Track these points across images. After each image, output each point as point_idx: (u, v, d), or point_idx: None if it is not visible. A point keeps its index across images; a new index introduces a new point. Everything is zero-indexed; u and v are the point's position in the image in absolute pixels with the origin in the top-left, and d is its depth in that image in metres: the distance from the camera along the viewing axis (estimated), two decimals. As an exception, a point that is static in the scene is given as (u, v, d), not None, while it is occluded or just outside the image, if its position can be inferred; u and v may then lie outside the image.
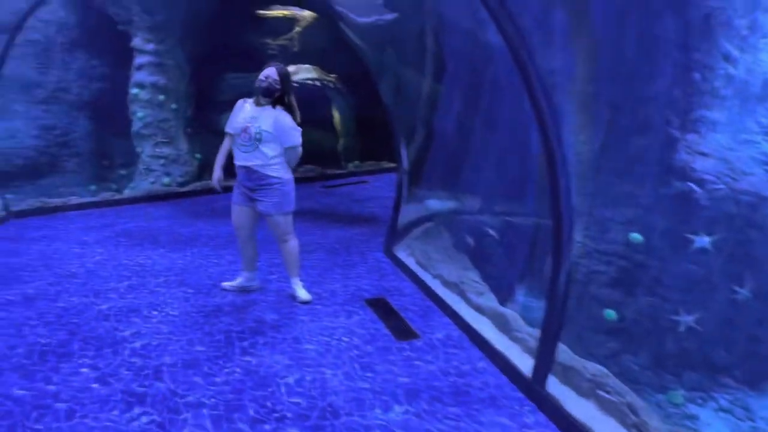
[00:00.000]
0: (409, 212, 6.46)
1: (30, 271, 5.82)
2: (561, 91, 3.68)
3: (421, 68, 6.22)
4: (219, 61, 10.86)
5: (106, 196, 9.13)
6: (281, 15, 11.70)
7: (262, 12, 11.44)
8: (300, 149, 4.66)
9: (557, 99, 3.47)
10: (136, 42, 9.47)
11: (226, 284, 5.29)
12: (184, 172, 9.98)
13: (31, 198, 8.75)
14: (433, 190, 6.52)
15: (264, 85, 4.47)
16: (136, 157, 9.83)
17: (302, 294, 5.01)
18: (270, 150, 4.52)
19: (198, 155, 10.29)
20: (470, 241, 5.42)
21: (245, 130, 4.50)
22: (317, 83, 11.65)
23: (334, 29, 11.68)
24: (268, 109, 4.53)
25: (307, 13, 11.78)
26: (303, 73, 11.63)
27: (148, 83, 9.57)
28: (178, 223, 7.69)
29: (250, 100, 4.66)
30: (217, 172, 4.83)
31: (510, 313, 4.17)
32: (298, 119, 4.65)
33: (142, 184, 9.68)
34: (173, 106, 9.86)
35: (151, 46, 9.43)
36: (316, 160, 11.20)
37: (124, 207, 8.74)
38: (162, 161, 9.83)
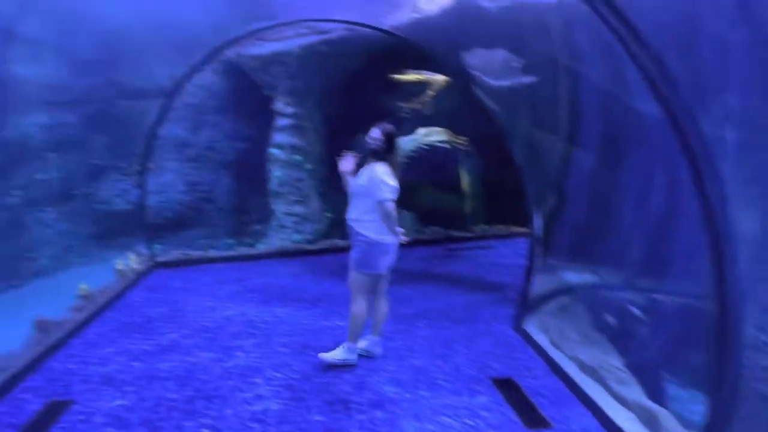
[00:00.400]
0: (542, 283, 6.08)
1: (168, 321, 6.10)
2: (729, 160, 3.28)
3: (557, 131, 5.95)
4: (353, 123, 11.15)
5: (241, 250, 9.54)
6: (415, 79, 11.95)
7: (396, 76, 11.75)
8: (389, 206, 4.38)
9: (723, 168, 3.08)
10: (278, 105, 10.01)
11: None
12: (314, 230, 10.24)
13: (176, 248, 9.32)
14: (568, 259, 6.12)
15: (371, 146, 4.53)
16: (270, 213, 10.26)
17: (334, 354, 4.86)
18: (362, 205, 4.53)
19: (329, 214, 10.54)
20: (611, 320, 4.96)
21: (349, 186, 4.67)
22: (447, 146, 11.64)
23: (465, 93, 11.75)
24: (371, 165, 4.51)
25: (439, 77, 11.93)
26: (434, 135, 11.70)
27: (286, 144, 10.04)
28: (306, 281, 7.81)
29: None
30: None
31: (659, 409, 3.68)
32: (395, 179, 4.52)
33: (274, 240, 10.04)
34: (308, 166, 10.23)
35: (291, 110, 9.93)
36: (443, 221, 11.10)
37: (256, 262, 9.06)
38: (295, 218, 10.16)
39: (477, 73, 6.44)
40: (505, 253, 9.56)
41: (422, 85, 12.04)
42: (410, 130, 11.73)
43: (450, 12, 6.26)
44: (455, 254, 9.57)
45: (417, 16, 6.95)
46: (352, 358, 4.89)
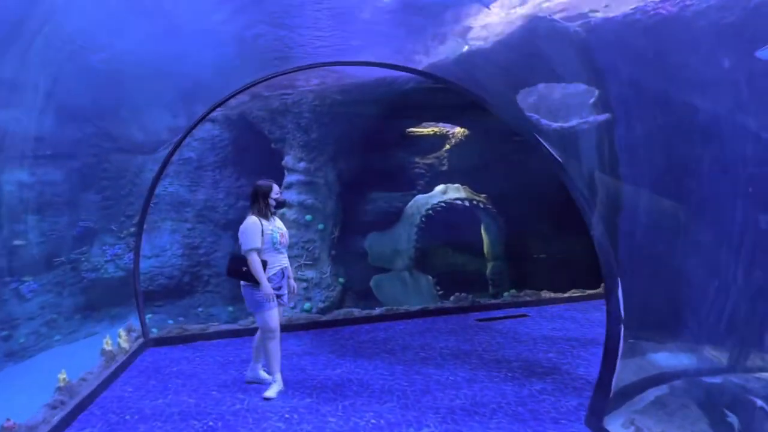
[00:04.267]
0: (625, 369, 4.99)
1: (165, 419, 4.97)
2: None
3: (641, 179, 4.99)
4: (366, 180, 10.35)
5: (244, 322, 8.42)
6: (431, 132, 11.16)
7: (412, 130, 10.95)
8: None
9: None
10: (287, 160, 9.14)
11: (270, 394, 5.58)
12: (325, 297, 9.19)
13: (171, 318, 8.22)
14: (658, 337, 5.06)
15: (281, 199, 5.61)
16: (278, 279, 9.20)
17: (271, 391, 5.62)
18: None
19: (341, 279, 9.51)
20: (732, 419, 3.89)
21: (282, 235, 5.52)
22: (466, 203, 10.73)
23: (486, 146, 10.96)
24: (276, 217, 5.64)
25: (458, 130, 11.15)
26: (451, 192, 10.80)
27: (295, 202, 9.12)
28: (323, 362, 6.70)
29: (255, 216, 5.38)
30: (269, 286, 5.28)
31: None
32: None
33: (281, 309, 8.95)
34: (320, 226, 9.29)
35: (302, 165, 9.05)
36: (467, 287, 10.07)
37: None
38: (304, 285, 9.13)
39: (534, 116, 5.54)
40: (542, 324, 8.49)
41: (439, 139, 11.24)
42: (427, 188, 10.86)
43: (510, 40, 5.30)
44: (487, 326, 8.48)
45: (461, 51, 6.04)
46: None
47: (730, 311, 4.58)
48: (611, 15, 4.37)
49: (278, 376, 5.71)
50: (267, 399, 5.46)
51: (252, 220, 5.34)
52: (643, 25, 4.07)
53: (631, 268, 5.15)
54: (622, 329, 4.86)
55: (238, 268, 5.34)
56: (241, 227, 5.36)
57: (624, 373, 4.89)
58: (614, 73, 4.59)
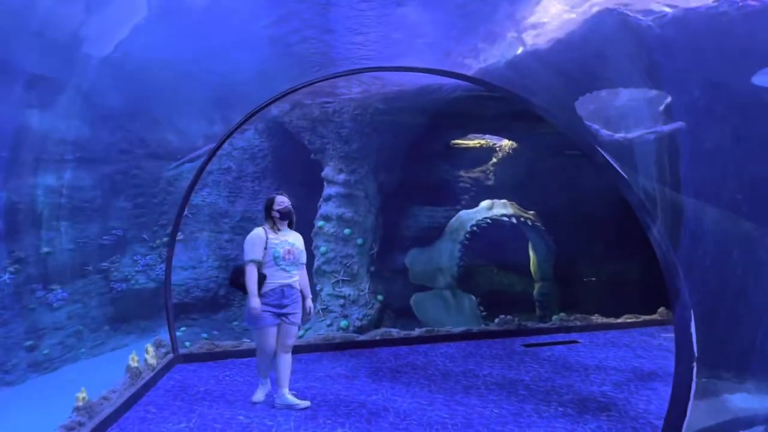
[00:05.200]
0: (698, 412, 4.39)
1: (184, 447, 4.61)
2: None
3: (720, 197, 4.41)
4: (408, 193, 9.96)
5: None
6: (477, 145, 10.70)
7: (457, 141, 10.52)
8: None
9: None
10: (327, 172, 8.81)
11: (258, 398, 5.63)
12: (363, 315, 8.79)
13: (204, 332, 7.94)
14: (735, 376, 4.45)
15: (284, 210, 5.27)
16: (314, 295, 8.84)
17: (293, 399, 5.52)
18: (300, 266, 5.38)
19: (380, 297, 9.09)
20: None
21: (290, 252, 5.21)
22: (513, 220, 10.19)
23: (535, 160, 10.44)
24: (291, 231, 5.40)
25: (505, 143, 10.66)
26: (498, 208, 10.28)
27: (334, 216, 8.77)
28: (359, 387, 6.26)
29: (263, 228, 5.25)
30: (258, 300, 5.04)
31: None
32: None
33: (318, 326, 8.60)
34: (359, 241, 8.90)
35: (342, 177, 8.71)
36: (512, 309, 9.50)
37: (297, 355, 7.53)
38: (341, 301, 8.76)
39: (593, 125, 5.02)
40: (594, 352, 7.86)
41: (486, 152, 10.77)
42: (472, 203, 10.38)
43: (572, 39, 4.75)
44: (534, 352, 7.90)
45: (515, 53, 5.55)
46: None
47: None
48: (692, 6, 3.85)
49: (266, 381, 5.73)
50: (255, 403, 5.59)
51: (256, 232, 5.21)
52: (729, 18, 3.55)
53: (704, 297, 4.57)
54: (695, 367, 4.27)
55: (237, 279, 5.16)
56: (246, 237, 5.24)
57: (695, 416, 4.29)
58: (691, 75, 4.05)
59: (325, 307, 8.77)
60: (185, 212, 7.40)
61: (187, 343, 7.42)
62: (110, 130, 7.16)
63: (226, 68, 5.83)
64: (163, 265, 7.60)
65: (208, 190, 9.19)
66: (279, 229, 5.28)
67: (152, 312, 7.80)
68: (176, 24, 5.35)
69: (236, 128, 6.93)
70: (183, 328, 8.07)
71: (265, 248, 5.14)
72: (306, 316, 5.43)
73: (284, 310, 5.22)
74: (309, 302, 5.42)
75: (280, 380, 5.48)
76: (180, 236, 7.66)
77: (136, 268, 8.24)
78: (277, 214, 5.25)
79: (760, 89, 3.65)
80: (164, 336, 7.12)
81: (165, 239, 7.51)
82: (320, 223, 8.86)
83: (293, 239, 5.33)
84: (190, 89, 6.19)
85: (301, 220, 8.71)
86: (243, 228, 9.60)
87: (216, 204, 9.38)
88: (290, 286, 5.24)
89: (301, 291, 5.42)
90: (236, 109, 6.65)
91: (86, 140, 6.84)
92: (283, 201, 5.32)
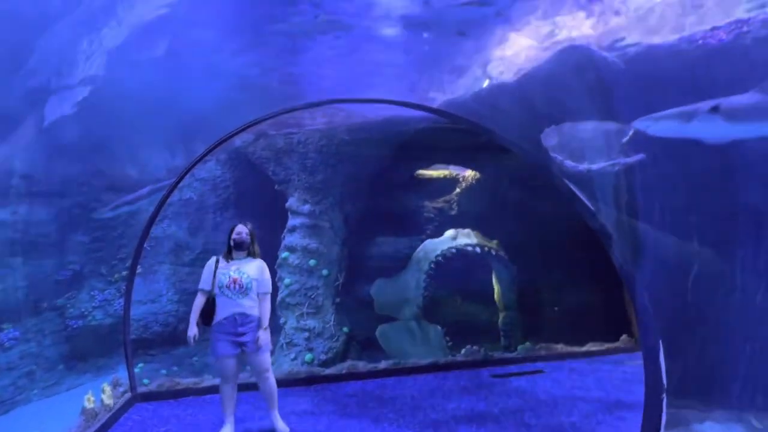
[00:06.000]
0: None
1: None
2: None
3: (682, 227, 4.49)
4: (373, 223, 9.92)
5: (242, 376, 7.82)
6: (442, 175, 10.77)
7: (422, 172, 10.57)
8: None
9: None
10: (292, 202, 8.73)
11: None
12: (328, 348, 8.64)
13: (164, 368, 7.67)
14: (701, 404, 4.49)
15: (238, 240, 5.25)
16: (278, 328, 8.67)
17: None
18: (254, 294, 5.21)
19: (345, 329, 8.97)
20: None
21: (235, 281, 5.12)
22: (477, 249, 10.23)
23: (498, 190, 10.56)
24: (251, 260, 5.32)
25: (469, 173, 10.77)
26: (462, 237, 10.32)
27: (299, 247, 8.67)
28: (325, 425, 6.12)
29: (218, 257, 5.30)
30: (195, 329, 5.08)
31: None
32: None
33: (282, 360, 8.41)
34: (324, 272, 8.80)
35: (306, 208, 8.63)
36: (478, 338, 9.49)
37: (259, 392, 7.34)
38: (306, 334, 8.60)
39: (558, 156, 5.09)
40: (561, 382, 7.87)
41: (449, 182, 10.85)
42: (436, 232, 10.40)
43: (538, 73, 4.85)
44: (503, 384, 7.88)
45: (481, 86, 5.63)
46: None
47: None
48: (655, 42, 3.97)
49: (230, 420, 5.50)
50: None
51: (209, 261, 5.32)
52: (689, 55, 3.67)
53: (667, 326, 4.62)
54: (665, 398, 4.30)
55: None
56: None
57: (669, 448, 4.32)
58: (652, 109, 4.16)
59: (289, 340, 8.59)
60: (144, 245, 7.19)
61: (146, 381, 7.16)
62: (68, 162, 6.94)
63: (189, 100, 5.72)
64: (121, 300, 7.36)
65: (168, 221, 9.00)
66: (232, 258, 5.28)
67: (109, 349, 7.49)
68: (139, 56, 5.25)
69: (198, 161, 6.83)
70: (141, 365, 7.78)
71: (215, 277, 5.18)
72: (256, 344, 5.25)
73: (242, 339, 5.14)
74: (261, 332, 5.26)
75: (268, 404, 5.56)
76: (139, 269, 7.42)
77: (94, 304, 7.94)
78: (231, 243, 5.27)
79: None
80: (122, 374, 6.85)
81: (124, 273, 7.26)
82: (284, 254, 8.74)
83: (245, 268, 5.25)
84: (152, 121, 6.07)
85: (265, 251, 8.62)
86: (204, 260, 9.38)
87: (176, 236, 9.17)
88: (243, 314, 5.15)
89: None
90: (199, 141, 6.55)
91: (43, 173, 6.62)
92: (240, 230, 5.32)
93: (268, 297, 5.34)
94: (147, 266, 8.59)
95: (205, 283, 5.19)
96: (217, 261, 5.27)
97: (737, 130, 3.73)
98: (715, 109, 3.68)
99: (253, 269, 5.30)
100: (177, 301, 8.97)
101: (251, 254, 5.39)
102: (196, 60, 5.96)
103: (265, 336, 5.28)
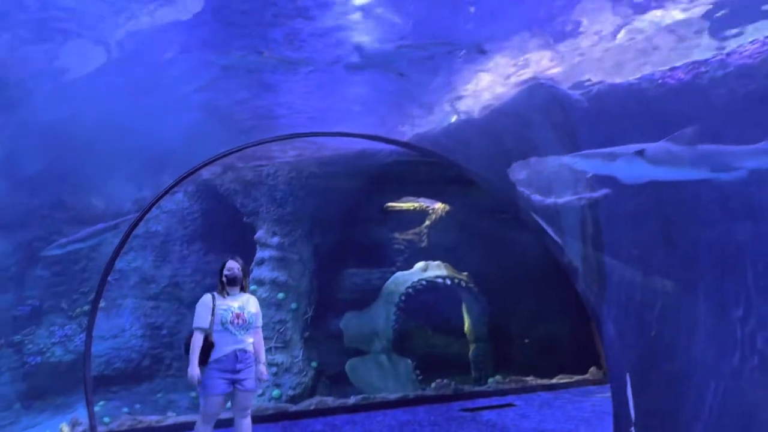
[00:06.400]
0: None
1: None
2: None
3: (647, 261, 4.56)
4: (343, 256, 9.88)
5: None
6: (411, 207, 10.83)
7: (391, 204, 10.61)
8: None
9: None
10: (260, 234, 8.66)
11: None
12: (296, 383, 8.50)
13: (126, 405, 7.44)
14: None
15: (230, 275, 5.03)
16: (245, 363, 8.50)
17: None
18: (253, 330, 5.05)
19: (314, 364, 8.84)
20: None
21: (238, 316, 4.93)
22: (447, 281, 10.25)
23: (468, 223, 10.64)
24: (244, 294, 5.13)
25: (438, 206, 10.84)
26: (432, 270, 10.33)
27: (267, 279, 8.57)
28: (294, 462, 5.96)
29: (212, 293, 5.05)
30: (197, 369, 4.81)
31: None
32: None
33: (248, 397, 8.21)
34: (293, 305, 8.71)
35: (275, 240, 8.57)
36: (449, 371, 9.44)
37: (224, 429, 7.15)
38: (274, 369, 8.44)
39: (525, 190, 5.17)
40: (531, 415, 7.85)
41: (419, 214, 10.91)
42: (406, 265, 10.40)
43: (505, 109, 4.94)
44: (475, 418, 7.82)
45: (449, 121, 5.71)
46: None
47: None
48: (616, 81, 4.09)
49: None
50: None
51: (203, 299, 5.07)
52: (649, 93, 3.79)
53: (640, 361, 4.67)
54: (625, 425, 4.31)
55: (188, 348, 4.96)
56: (197, 304, 5.08)
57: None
58: (614, 145, 4.27)
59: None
60: (107, 278, 7.02)
61: (107, 419, 6.92)
62: (29, 194, 6.79)
63: (157, 131, 5.67)
64: (82, 336, 7.14)
65: (134, 254, 8.83)
66: (228, 294, 5.09)
67: (69, 387, 7.24)
68: (104, 86, 5.20)
69: (165, 192, 6.74)
70: (102, 403, 7.53)
71: (213, 314, 4.95)
72: (259, 380, 5.08)
73: (238, 375, 4.94)
74: (261, 367, 5.09)
75: None
76: (101, 304, 7.23)
77: (53, 340, 7.69)
78: (225, 279, 5.09)
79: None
80: (81, 413, 6.60)
81: (86, 308, 7.06)
82: (252, 287, 8.63)
83: (244, 303, 5.10)
84: (118, 152, 5.99)
85: (233, 284, 8.50)
86: (170, 294, 9.23)
87: (142, 269, 9.00)
88: (243, 350, 4.98)
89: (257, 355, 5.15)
90: (167, 173, 6.48)
91: (2, 205, 6.44)
92: (232, 266, 5.13)
93: (261, 331, 5.23)
94: (110, 300, 8.39)
95: (203, 321, 4.97)
96: (213, 297, 5.09)
97: (659, 173, 3.95)
98: (639, 153, 3.86)
99: (251, 304, 5.19)
100: (141, 336, 8.75)
101: (243, 289, 5.24)
102: (162, 90, 5.91)
103: (262, 371, 5.13)
